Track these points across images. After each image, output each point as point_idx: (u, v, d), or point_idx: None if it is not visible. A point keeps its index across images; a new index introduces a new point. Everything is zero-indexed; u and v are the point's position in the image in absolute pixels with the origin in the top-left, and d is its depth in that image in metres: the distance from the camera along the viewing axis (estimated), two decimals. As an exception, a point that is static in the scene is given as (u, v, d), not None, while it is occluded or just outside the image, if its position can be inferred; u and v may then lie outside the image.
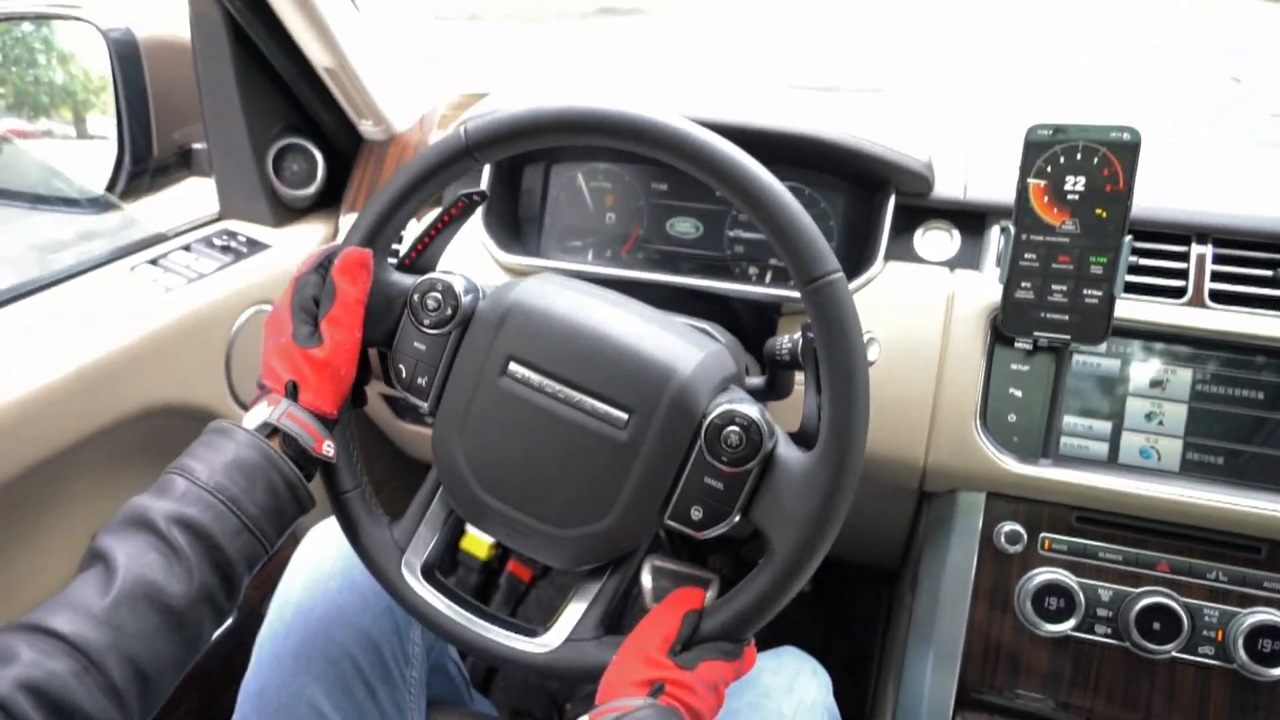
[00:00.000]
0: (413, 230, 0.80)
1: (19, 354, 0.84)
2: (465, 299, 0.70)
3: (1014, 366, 0.87)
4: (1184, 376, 0.84)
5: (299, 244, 1.13)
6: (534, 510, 0.67)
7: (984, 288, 0.88)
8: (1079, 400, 0.86)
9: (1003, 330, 0.85)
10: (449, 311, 0.69)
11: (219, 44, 1.02)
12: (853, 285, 0.90)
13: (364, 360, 0.73)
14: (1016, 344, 0.86)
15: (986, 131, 1.03)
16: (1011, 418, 0.87)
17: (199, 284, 1.00)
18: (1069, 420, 0.86)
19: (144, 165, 1.14)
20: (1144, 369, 0.85)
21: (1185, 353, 0.84)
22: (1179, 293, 0.84)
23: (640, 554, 0.68)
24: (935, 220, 0.94)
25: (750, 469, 0.61)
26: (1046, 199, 0.81)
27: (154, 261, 1.02)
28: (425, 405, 0.71)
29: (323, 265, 0.71)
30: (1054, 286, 0.82)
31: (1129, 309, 0.84)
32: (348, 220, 1.15)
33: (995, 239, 0.91)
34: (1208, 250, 0.85)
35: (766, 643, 0.92)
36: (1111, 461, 0.85)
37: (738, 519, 0.63)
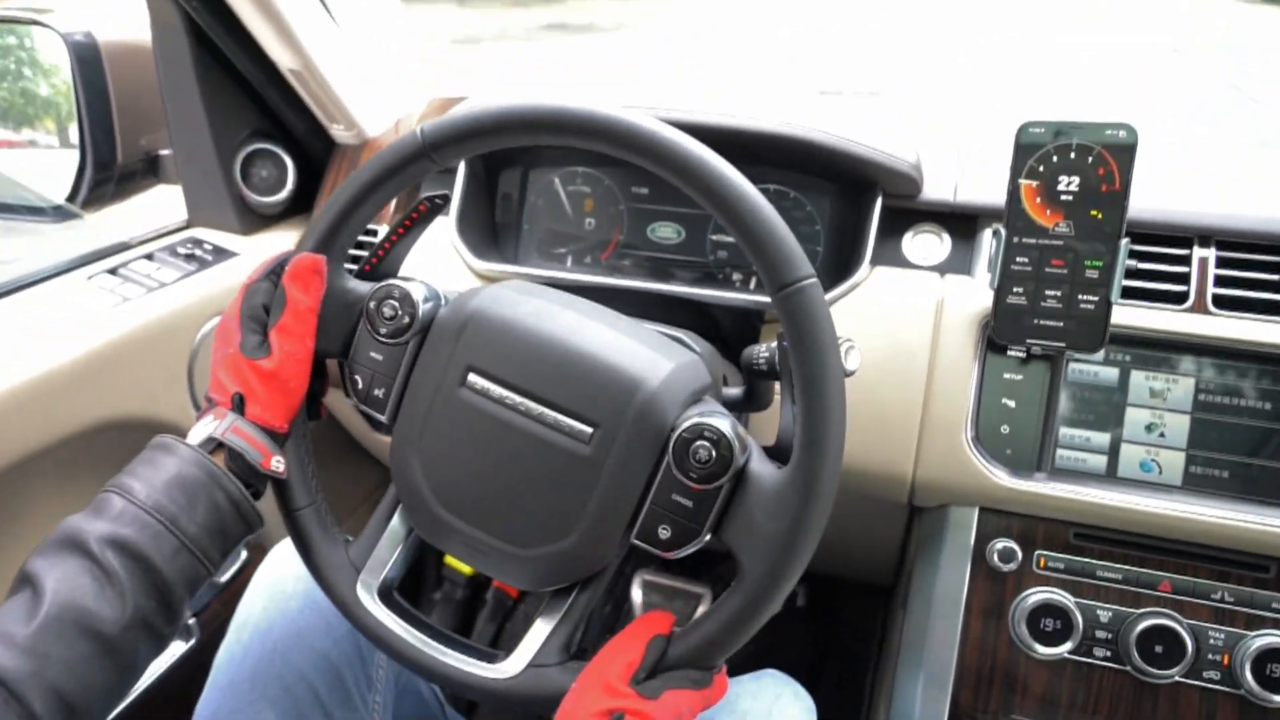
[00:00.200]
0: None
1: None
2: (424, 307, 0.67)
3: (1007, 375, 0.83)
4: (1186, 386, 0.80)
5: (268, 252, 1.08)
6: (494, 528, 0.64)
7: (975, 293, 0.84)
8: (1075, 411, 0.82)
9: (994, 338, 0.81)
10: (406, 320, 0.67)
11: (179, 46, 0.99)
12: (837, 291, 0.87)
13: (321, 372, 0.71)
14: (1009, 352, 0.82)
15: (986, 132, 0.99)
16: (1004, 429, 0.83)
17: (159, 293, 0.97)
18: (1065, 432, 0.82)
19: (108, 172, 1.11)
20: (1144, 378, 0.81)
21: (1187, 361, 0.80)
22: (1180, 298, 0.80)
23: (607, 575, 0.64)
24: (925, 223, 0.90)
25: (720, 485, 0.58)
26: (1039, 200, 0.78)
27: (113, 271, 0.98)
28: (383, 417, 0.68)
29: (274, 272, 0.68)
30: (1048, 292, 0.78)
31: (1127, 315, 0.80)
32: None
33: (987, 242, 0.88)
34: (1210, 253, 0.81)
35: (751, 663, 0.88)
36: (1110, 475, 0.81)
37: (708, 538, 0.59)
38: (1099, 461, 0.82)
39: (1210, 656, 0.77)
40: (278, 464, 0.64)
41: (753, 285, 0.97)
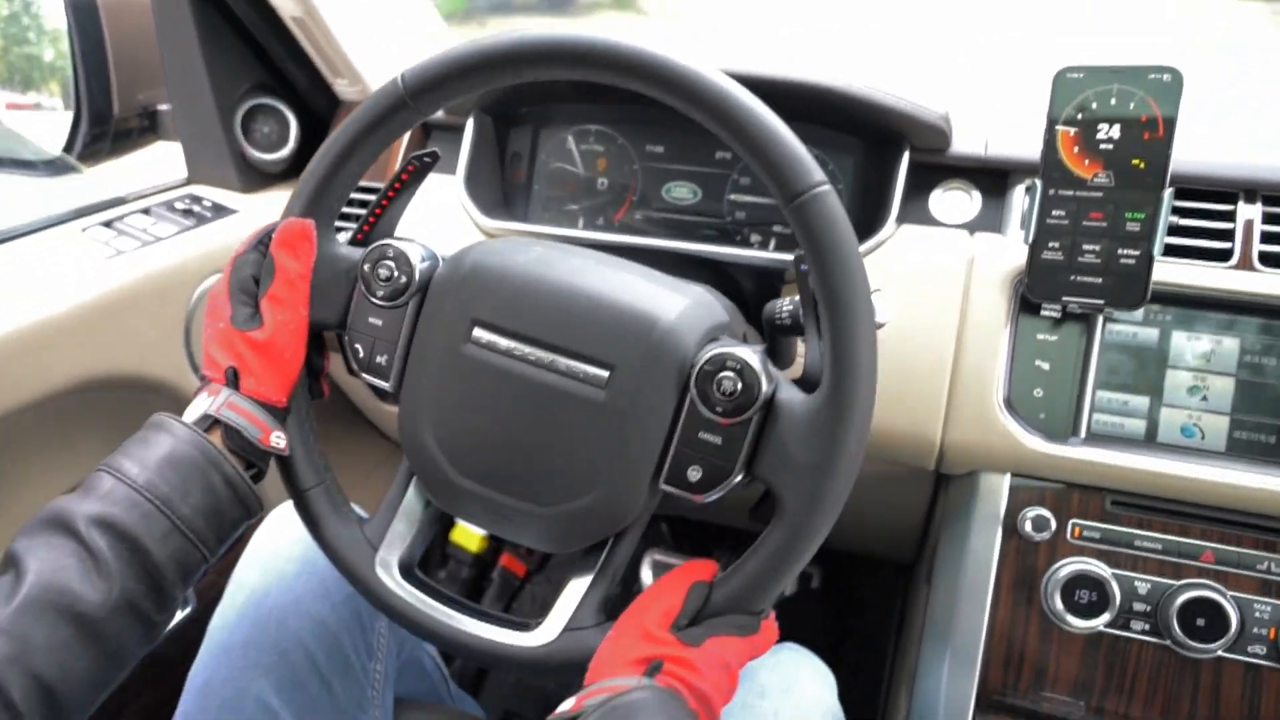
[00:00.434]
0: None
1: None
2: (421, 266, 0.64)
3: (1040, 336, 0.79)
4: (1230, 347, 0.76)
5: (269, 211, 1.05)
6: (514, 489, 0.60)
7: (1007, 251, 0.81)
8: (1113, 373, 0.79)
9: (1029, 296, 0.78)
10: (403, 280, 0.63)
11: (177, -9, 0.95)
12: (861, 249, 0.83)
13: (319, 346, 0.68)
14: (1043, 311, 0.79)
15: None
16: (1038, 392, 0.79)
17: (154, 248, 0.93)
18: (1102, 395, 0.79)
19: (104, 127, 1.07)
20: (1185, 339, 0.77)
21: (1232, 320, 0.76)
22: (1225, 255, 0.77)
23: (640, 526, 0.61)
24: (954, 179, 0.87)
25: (749, 418, 0.55)
26: (1077, 149, 0.74)
27: (108, 224, 0.94)
28: (388, 385, 0.65)
29: (262, 242, 0.65)
30: (1085, 246, 0.75)
31: (1169, 272, 0.76)
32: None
33: (1019, 200, 0.84)
34: (1257, 209, 0.78)
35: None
36: (1149, 440, 0.78)
37: (740, 477, 0.55)
38: (1137, 426, 0.78)
39: (1256, 630, 0.74)
40: (278, 440, 0.61)
41: (772, 246, 0.93)
